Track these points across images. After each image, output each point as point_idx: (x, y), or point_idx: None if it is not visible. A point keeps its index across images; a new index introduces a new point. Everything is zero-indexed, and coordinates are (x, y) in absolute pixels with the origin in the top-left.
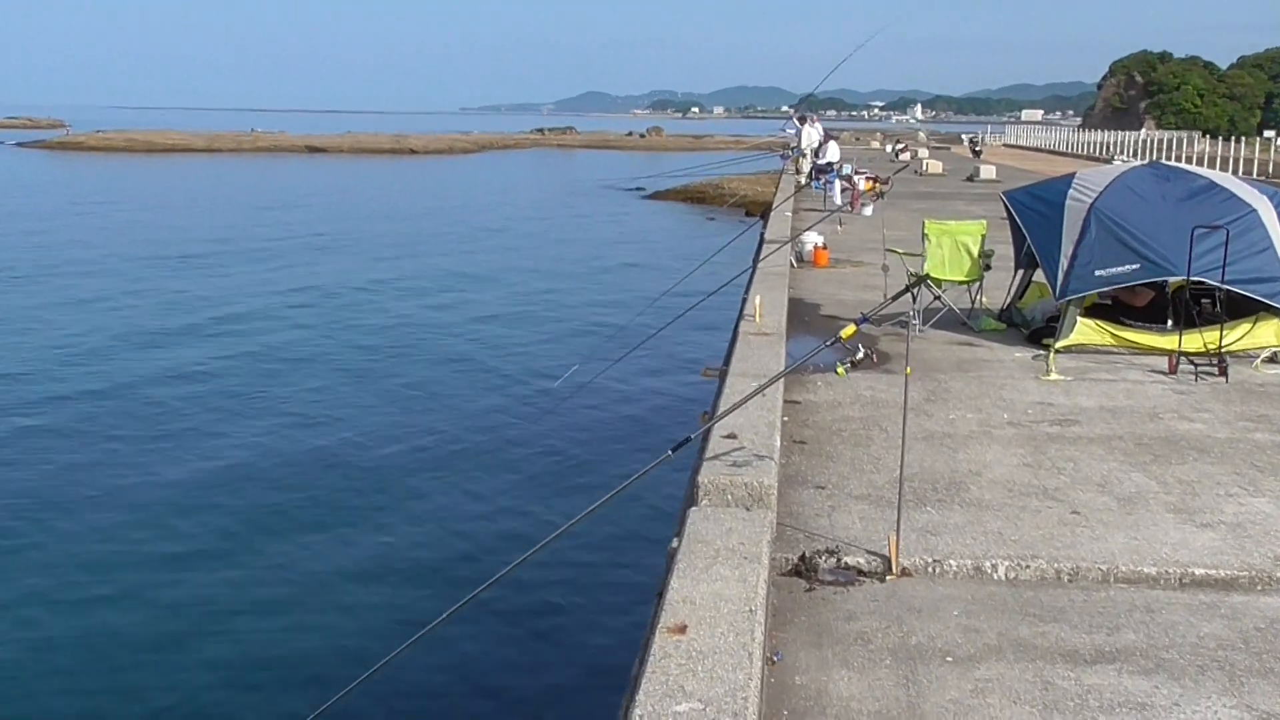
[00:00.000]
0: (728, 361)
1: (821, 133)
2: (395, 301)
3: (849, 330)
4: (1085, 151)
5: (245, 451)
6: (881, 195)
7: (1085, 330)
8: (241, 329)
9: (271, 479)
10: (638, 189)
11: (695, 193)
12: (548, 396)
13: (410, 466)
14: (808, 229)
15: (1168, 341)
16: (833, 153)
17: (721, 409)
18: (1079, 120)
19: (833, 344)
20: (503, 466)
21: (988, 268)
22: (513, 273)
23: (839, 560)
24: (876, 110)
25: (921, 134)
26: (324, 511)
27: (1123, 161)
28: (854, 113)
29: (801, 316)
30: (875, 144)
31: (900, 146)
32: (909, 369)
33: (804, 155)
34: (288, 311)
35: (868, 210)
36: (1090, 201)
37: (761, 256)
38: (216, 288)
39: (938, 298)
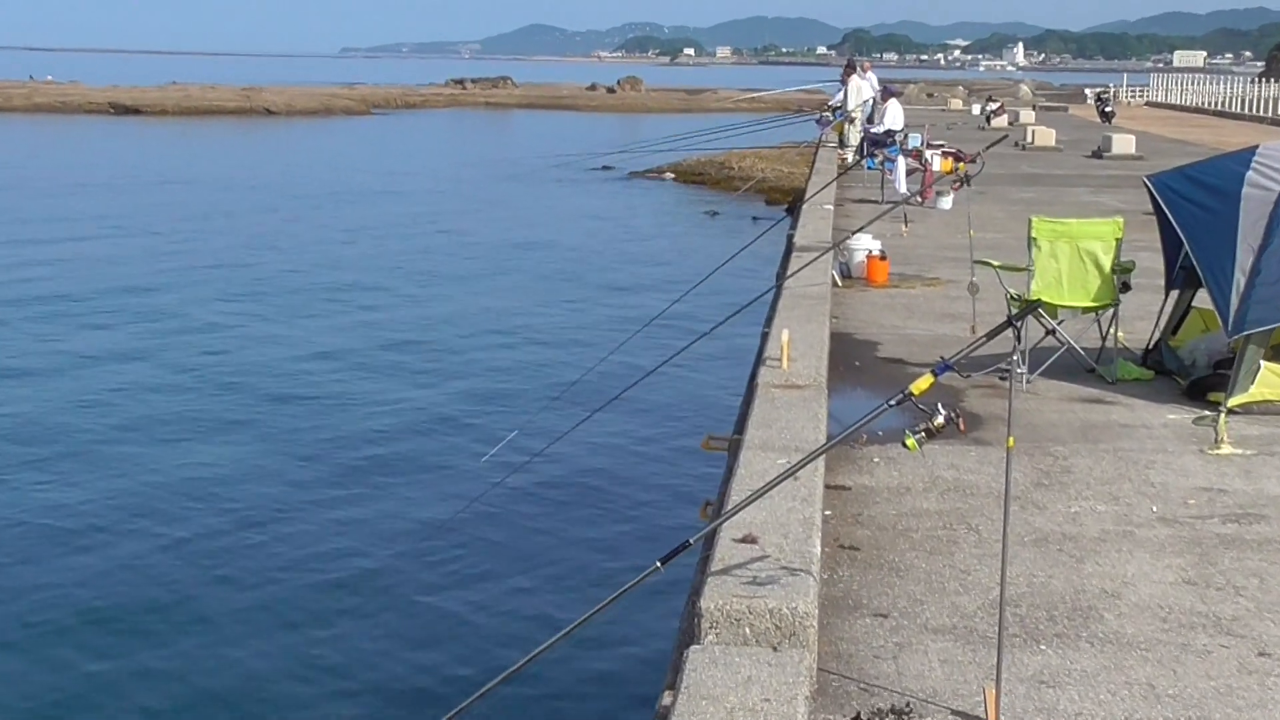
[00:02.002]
0: (741, 427)
1: (877, 87)
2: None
3: (922, 383)
4: (1270, 112)
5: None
6: (967, 180)
7: (1272, 380)
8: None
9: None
10: (604, 169)
11: (690, 173)
12: (472, 479)
13: (264, 604)
14: (858, 230)
15: None
16: (894, 117)
17: (733, 499)
18: (1259, 66)
19: (899, 403)
20: (396, 593)
21: (1126, 288)
22: (410, 301)
23: None
24: (958, 53)
25: (1025, 87)
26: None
27: None
28: (925, 56)
29: (850, 360)
30: (957, 103)
31: (994, 107)
32: (1011, 439)
33: (851, 120)
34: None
35: (945, 202)
36: None
37: (789, 270)
38: None
39: (1052, 332)
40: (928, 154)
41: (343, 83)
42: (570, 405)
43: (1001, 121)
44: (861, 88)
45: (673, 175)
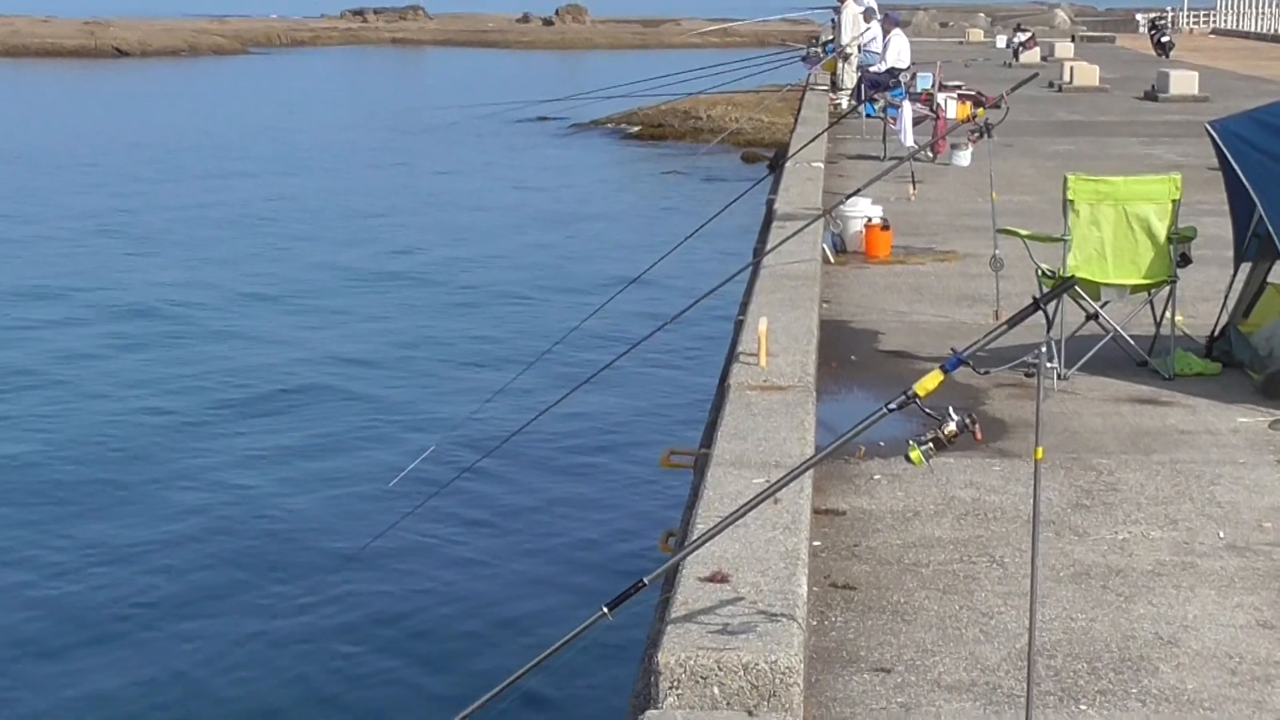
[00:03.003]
0: (709, 439)
1: (878, 15)
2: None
3: (931, 380)
4: None
5: None
6: (988, 129)
7: None
8: None
9: None
10: (540, 121)
11: (647, 124)
12: (382, 503)
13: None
14: (854, 192)
15: None
16: (898, 52)
17: (698, 527)
18: None
19: (902, 406)
20: (289, 645)
21: (1185, 260)
22: (300, 287)
23: None
24: None
25: (1062, 14)
26: None
27: None
28: None
29: (843, 355)
30: (977, 34)
31: (1023, 39)
32: (1040, 450)
33: (846, 57)
34: None
35: (962, 157)
36: None
37: (769, 244)
38: None
39: (1093, 317)
40: (940, 98)
41: (211, 14)
42: (499, 414)
43: (1032, 56)
44: (858, 17)
45: (625, 127)
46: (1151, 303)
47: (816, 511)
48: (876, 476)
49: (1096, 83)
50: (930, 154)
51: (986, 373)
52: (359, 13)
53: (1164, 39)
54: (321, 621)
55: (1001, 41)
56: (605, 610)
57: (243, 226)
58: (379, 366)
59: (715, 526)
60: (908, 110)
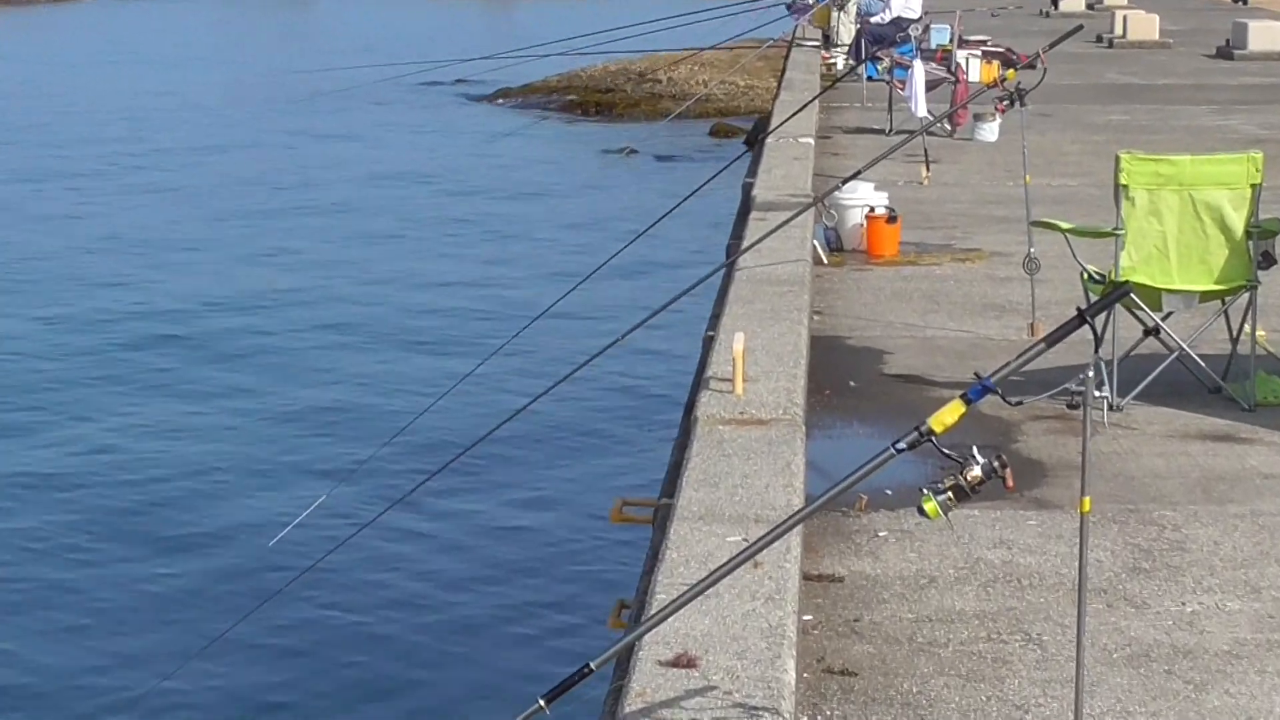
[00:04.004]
0: (672, 486)
1: None
2: None
3: (950, 413)
4: None
5: None
6: (1020, 96)
7: None
8: None
9: None
10: (457, 85)
11: (593, 90)
12: (260, 564)
13: None
14: (853, 175)
15: None
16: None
17: (659, 596)
18: None
19: (914, 445)
20: None
21: (1267, 261)
22: (163, 306)
23: None
24: None
25: None
26: None
27: None
28: None
29: (839, 379)
30: None
31: None
32: (1087, 500)
33: (842, 6)
34: None
35: (988, 130)
36: None
37: (746, 240)
38: None
39: (1153, 331)
40: (960, 56)
41: None
42: (410, 453)
43: (1075, 2)
44: None
45: (565, 95)
46: (1226, 314)
47: (807, 577)
48: (882, 533)
49: (1156, 36)
50: (948, 126)
51: (1020, 403)
52: None
53: None
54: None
55: None
56: (541, 703)
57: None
58: (245, 424)
59: (680, 597)
60: (919, 72)
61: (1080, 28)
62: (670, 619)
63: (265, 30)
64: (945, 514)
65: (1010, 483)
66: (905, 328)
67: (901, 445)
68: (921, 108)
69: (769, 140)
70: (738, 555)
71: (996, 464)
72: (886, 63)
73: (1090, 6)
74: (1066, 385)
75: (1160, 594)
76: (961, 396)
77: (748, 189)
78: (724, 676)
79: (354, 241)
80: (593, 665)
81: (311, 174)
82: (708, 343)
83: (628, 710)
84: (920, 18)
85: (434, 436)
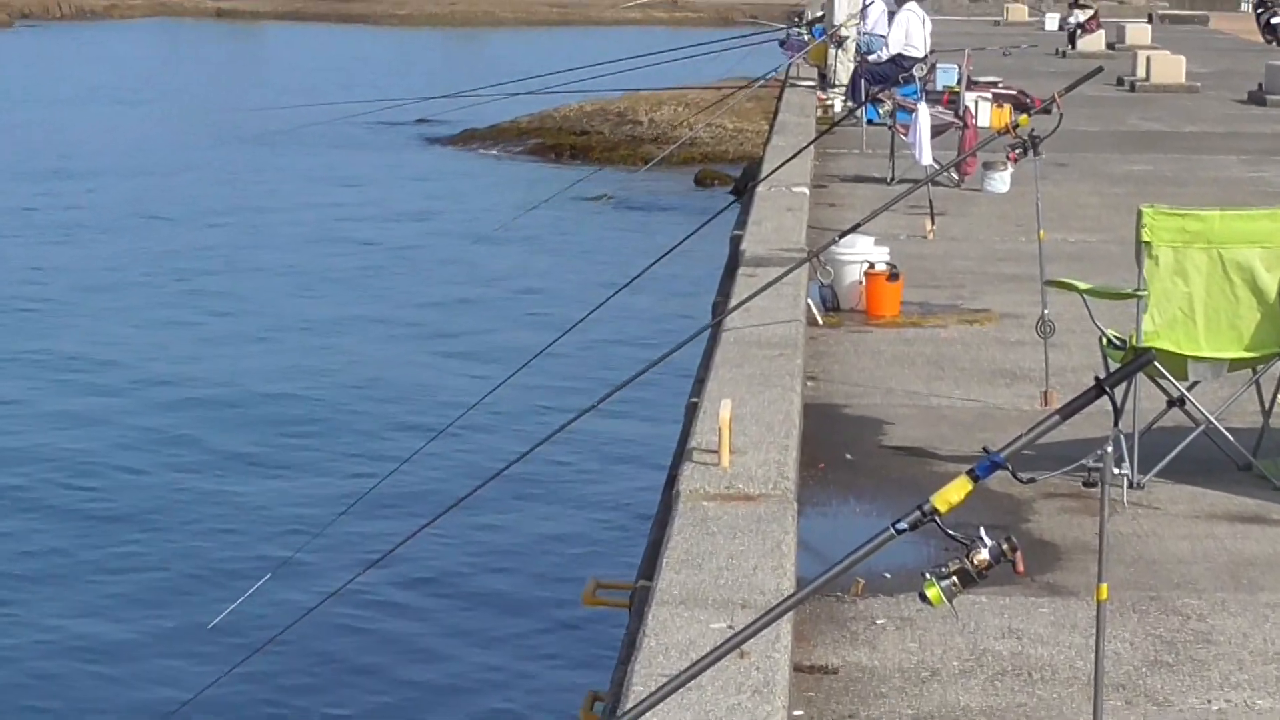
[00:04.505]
0: (652, 567)
1: None
2: None
3: (956, 490)
4: None
5: None
6: (1034, 144)
7: None
8: None
9: None
10: (419, 125)
11: (567, 131)
12: (191, 660)
13: None
14: (851, 228)
15: None
16: (906, 33)
17: (635, 689)
18: None
19: (916, 525)
20: None
21: None
22: (80, 365)
23: None
24: None
25: None
26: None
27: None
28: None
29: (834, 451)
30: (1020, 10)
31: (1083, 18)
32: (1104, 587)
33: (839, 42)
34: None
35: (999, 181)
36: None
37: (735, 298)
38: None
39: (1178, 402)
40: (969, 99)
41: None
42: (371, 519)
43: (1095, 42)
44: None
45: (537, 136)
46: (1258, 383)
47: (798, 669)
48: (880, 621)
49: (1182, 79)
50: (955, 176)
51: (1032, 480)
52: None
53: (1275, 20)
54: None
55: (1053, 22)
56: None
57: None
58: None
59: (659, 690)
60: (924, 115)
61: (1100, 70)
62: (648, 714)
63: (209, 61)
64: (949, 600)
65: (1021, 567)
66: (907, 396)
67: (903, 525)
68: (926, 155)
69: (760, 189)
70: (722, 644)
71: (1006, 546)
72: (888, 105)
73: (1110, 46)
74: (1083, 461)
75: (1184, 690)
76: (968, 473)
77: (736, 242)
78: None
79: (301, 296)
80: None
81: (252, 223)
82: (691, 410)
83: None
84: (925, 56)
85: (396, 504)
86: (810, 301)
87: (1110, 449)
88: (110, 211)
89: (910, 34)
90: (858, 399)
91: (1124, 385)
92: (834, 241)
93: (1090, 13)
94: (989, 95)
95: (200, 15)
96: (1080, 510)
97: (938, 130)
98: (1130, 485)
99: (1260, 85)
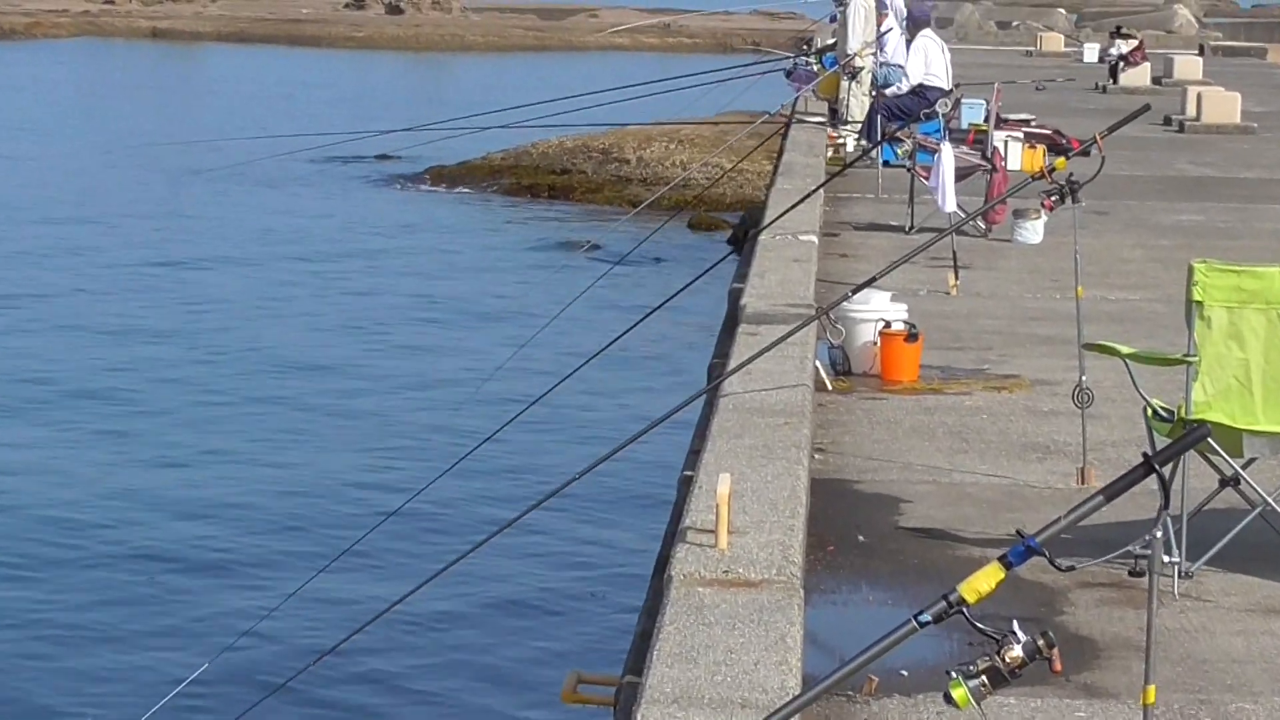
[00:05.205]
0: (640, 661)
1: (902, 10)
2: None
3: (985, 578)
4: None
5: None
6: (1072, 190)
7: None
8: None
9: None
10: (380, 161)
11: (545, 170)
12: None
13: None
14: (865, 283)
15: None
16: (925, 63)
17: None
18: None
19: (941, 617)
20: None
21: None
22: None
23: None
24: None
25: (1183, 11)
26: None
27: None
28: None
29: (846, 532)
30: (1055, 40)
31: (1127, 49)
32: (1152, 689)
33: (853, 73)
34: None
35: (1032, 230)
36: None
37: (734, 360)
38: None
39: (1232, 482)
40: (998, 139)
41: None
42: (328, 600)
43: (1139, 76)
44: (871, 11)
45: (512, 175)
46: None
47: None
48: None
49: (1237, 119)
50: (982, 225)
51: (1071, 568)
52: None
53: None
54: None
55: (1092, 53)
56: None
57: None
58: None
59: None
60: (948, 157)
61: (1147, 108)
62: None
63: (142, 87)
64: (977, 703)
65: (1058, 665)
66: (926, 471)
67: (926, 617)
68: (950, 201)
69: (762, 237)
70: None
71: (1041, 642)
72: (908, 145)
73: (1156, 81)
74: (1130, 548)
75: None
76: (1000, 559)
77: (735, 296)
78: None
79: (252, 354)
80: None
81: (179, 281)
82: (685, 485)
83: None
84: (950, 91)
85: (355, 585)
86: (819, 364)
87: (1159, 534)
88: (11, 263)
89: (930, 61)
90: (871, 474)
91: (1174, 463)
92: (846, 297)
93: (1134, 43)
94: (1020, 135)
95: (133, 35)
96: (1121, 601)
97: (963, 173)
98: (1180, 575)
99: None
